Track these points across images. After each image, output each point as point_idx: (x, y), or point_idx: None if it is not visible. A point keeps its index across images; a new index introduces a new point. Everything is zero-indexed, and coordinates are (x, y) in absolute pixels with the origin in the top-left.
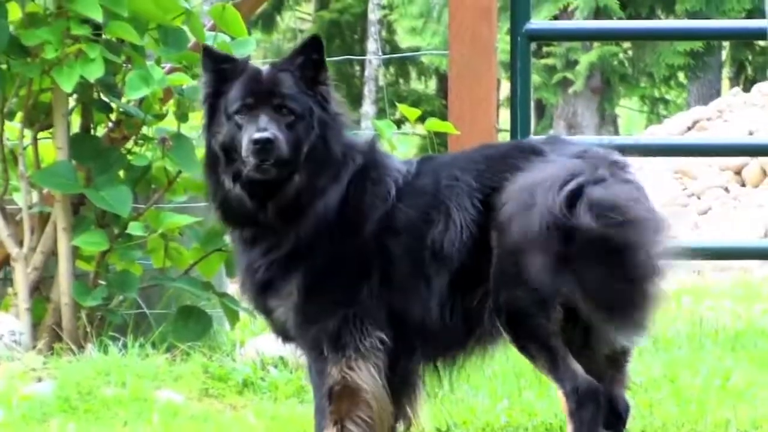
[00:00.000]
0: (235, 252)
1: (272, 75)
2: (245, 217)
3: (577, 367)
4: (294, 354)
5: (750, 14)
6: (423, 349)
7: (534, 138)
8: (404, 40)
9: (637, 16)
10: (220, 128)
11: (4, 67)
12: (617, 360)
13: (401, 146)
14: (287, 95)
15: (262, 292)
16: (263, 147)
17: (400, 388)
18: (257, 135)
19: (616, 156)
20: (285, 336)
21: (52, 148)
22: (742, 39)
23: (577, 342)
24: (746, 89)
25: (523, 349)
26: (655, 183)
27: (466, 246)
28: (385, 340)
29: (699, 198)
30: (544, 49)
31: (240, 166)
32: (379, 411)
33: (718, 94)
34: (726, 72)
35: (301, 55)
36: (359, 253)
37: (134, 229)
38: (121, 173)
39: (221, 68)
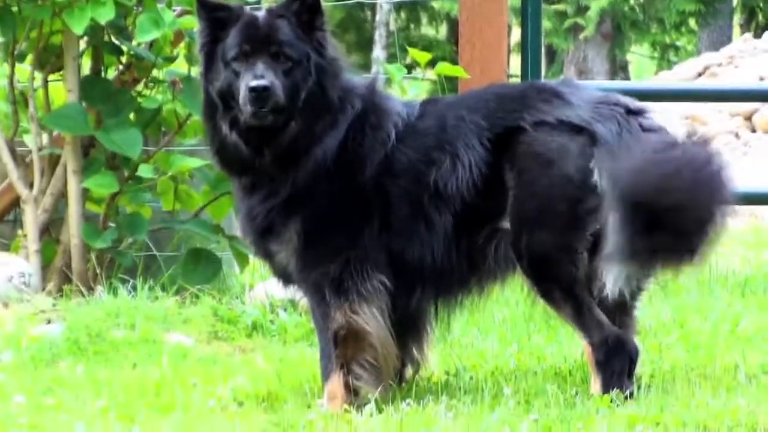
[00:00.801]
0: (235, 198)
1: (269, 21)
2: (242, 164)
3: (603, 317)
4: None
5: None
6: (425, 290)
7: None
8: None
9: None
10: (218, 75)
11: (15, 9)
12: (627, 305)
13: (412, 90)
14: (284, 42)
15: (263, 238)
16: (260, 94)
17: (406, 331)
18: (254, 82)
19: (636, 103)
20: (287, 280)
21: (62, 91)
22: None
23: (590, 286)
24: (757, 36)
25: (546, 295)
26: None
27: (474, 185)
28: (387, 283)
29: None
30: None
31: (237, 113)
32: (384, 353)
33: (728, 40)
34: (737, 18)
35: (298, 0)
36: (359, 198)
37: (144, 171)
38: (132, 116)
39: (216, 16)
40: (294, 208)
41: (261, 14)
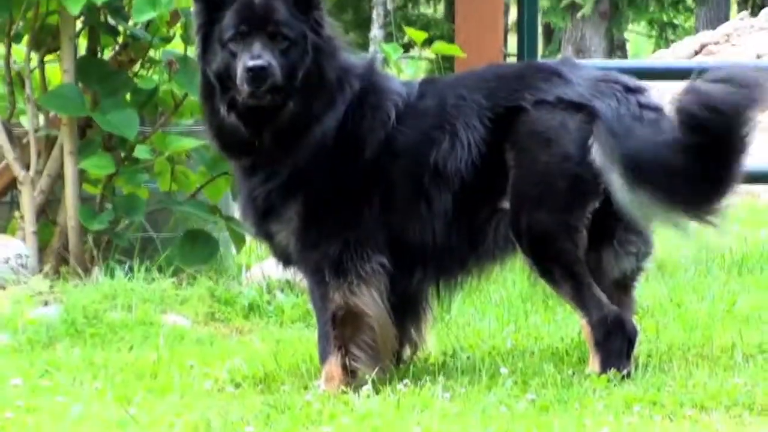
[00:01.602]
0: (235, 180)
1: (265, 2)
2: (241, 146)
3: (603, 296)
4: (297, 278)
5: None
6: (425, 271)
7: (547, 60)
8: None
9: None
10: (215, 56)
11: None
12: (625, 284)
13: (409, 69)
14: (281, 21)
15: (263, 219)
16: (258, 74)
17: (404, 313)
18: (251, 62)
19: (634, 81)
20: (286, 261)
21: (58, 71)
22: None
23: (589, 266)
24: (754, 14)
25: (545, 274)
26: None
27: (473, 165)
28: (386, 264)
29: None
30: None
31: (235, 94)
32: (382, 335)
33: (726, 18)
34: None
35: None
36: (358, 178)
37: (141, 152)
38: (128, 96)
39: None
40: (294, 188)
41: None
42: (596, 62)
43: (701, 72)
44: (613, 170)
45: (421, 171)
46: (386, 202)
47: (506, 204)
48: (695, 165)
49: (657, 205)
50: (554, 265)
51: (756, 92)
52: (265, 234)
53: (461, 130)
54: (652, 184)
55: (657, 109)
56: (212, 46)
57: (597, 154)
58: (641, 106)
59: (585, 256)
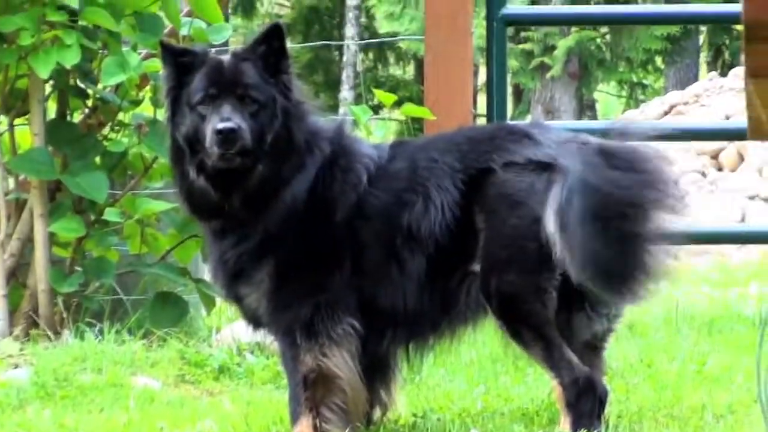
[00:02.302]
0: (205, 243)
1: (234, 65)
2: (211, 209)
3: (573, 357)
4: (267, 340)
5: None
6: (396, 334)
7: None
8: (382, 26)
9: (614, 1)
10: (183, 120)
11: None
12: (595, 345)
13: (378, 131)
14: (250, 84)
15: (234, 281)
16: (227, 136)
17: (375, 374)
18: (221, 125)
19: (604, 142)
20: (256, 323)
21: (28, 135)
22: (720, 23)
23: (560, 327)
24: (723, 74)
25: (516, 336)
26: None
27: (446, 227)
28: (357, 327)
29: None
30: (522, 34)
31: (204, 157)
32: (353, 397)
33: (695, 78)
34: (703, 57)
35: (263, 43)
36: (330, 241)
37: (110, 215)
38: (98, 159)
39: (181, 61)
40: (265, 251)
41: (226, 58)
42: (567, 124)
43: (671, 133)
44: (558, 232)
45: (394, 234)
46: (358, 265)
47: (477, 267)
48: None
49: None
50: (524, 326)
51: (652, 184)
52: (235, 296)
53: (433, 192)
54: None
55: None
56: (181, 109)
57: (548, 214)
58: (611, 167)
59: (555, 317)
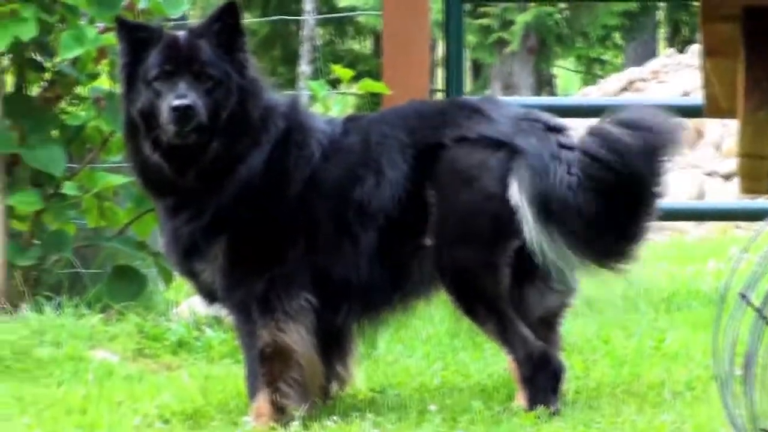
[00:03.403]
0: (159, 219)
1: (190, 41)
2: (165, 185)
3: (528, 333)
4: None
5: None
6: (351, 308)
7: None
8: (341, 0)
9: None
10: (138, 95)
11: None
12: (551, 322)
13: (337, 106)
14: (206, 61)
15: (188, 257)
16: (183, 113)
17: (331, 349)
18: (177, 102)
19: (555, 120)
20: (212, 298)
21: None
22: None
23: (513, 303)
24: (681, 50)
25: (469, 312)
26: None
27: (398, 202)
28: (312, 301)
29: None
30: (480, 9)
31: (159, 133)
32: (310, 371)
33: (654, 54)
34: (662, 33)
35: (218, 21)
36: (284, 216)
37: (68, 188)
38: (55, 133)
39: (137, 37)
40: (219, 227)
41: (182, 34)
42: (520, 99)
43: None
44: (526, 210)
45: (346, 208)
46: (312, 240)
47: (429, 241)
48: (600, 210)
49: (566, 249)
50: (477, 302)
51: (662, 138)
52: (189, 272)
53: (385, 167)
54: (561, 227)
55: (575, 150)
56: (136, 84)
57: (513, 193)
58: (561, 145)
59: (509, 293)
